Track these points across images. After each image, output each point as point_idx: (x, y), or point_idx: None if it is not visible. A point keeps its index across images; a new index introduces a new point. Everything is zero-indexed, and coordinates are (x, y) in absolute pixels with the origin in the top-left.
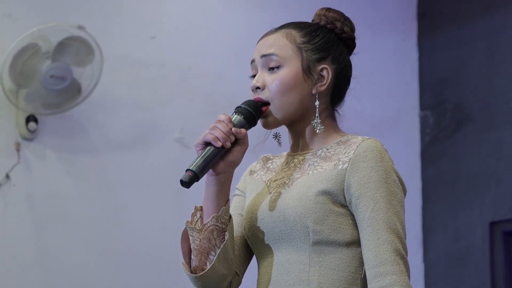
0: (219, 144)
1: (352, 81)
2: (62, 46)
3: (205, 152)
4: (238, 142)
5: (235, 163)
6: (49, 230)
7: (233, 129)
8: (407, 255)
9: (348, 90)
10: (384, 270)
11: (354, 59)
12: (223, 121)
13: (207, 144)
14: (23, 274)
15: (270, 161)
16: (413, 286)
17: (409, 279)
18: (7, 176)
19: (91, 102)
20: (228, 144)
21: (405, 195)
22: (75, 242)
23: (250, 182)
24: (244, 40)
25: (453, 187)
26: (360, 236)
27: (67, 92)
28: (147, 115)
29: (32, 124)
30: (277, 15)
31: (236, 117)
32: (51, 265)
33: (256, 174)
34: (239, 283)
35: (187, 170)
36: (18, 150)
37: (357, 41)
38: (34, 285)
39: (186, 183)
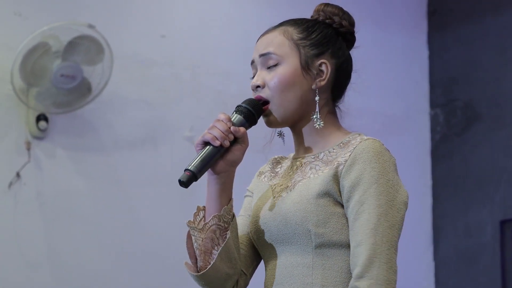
0: (217, 143)
1: (359, 77)
2: (72, 45)
3: (203, 151)
4: (238, 141)
5: (236, 162)
6: (59, 228)
7: (231, 127)
8: (391, 253)
9: (349, 84)
10: (354, 274)
11: (365, 58)
12: (221, 120)
13: (206, 143)
14: (32, 272)
15: (280, 165)
16: (424, 284)
17: (389, 277)
18: (18, 175)
19: (101, 101)
20: (227, 143)
21: (407, 198)
22: (84, 240)
23: (257, 184)
24: (254, 38)
25: (463, 185)
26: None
27: (77, 91)
28: (157, 113)
29: (42, 123)
30: (286, 13)
31: (236, 116)
32: (60, 263)
33: (263, 176)
34: (247, 283)
35: (185, 170)
36: (28, 149)
37: (367, 39)
38: (43, 283)
39: (184, 183)
